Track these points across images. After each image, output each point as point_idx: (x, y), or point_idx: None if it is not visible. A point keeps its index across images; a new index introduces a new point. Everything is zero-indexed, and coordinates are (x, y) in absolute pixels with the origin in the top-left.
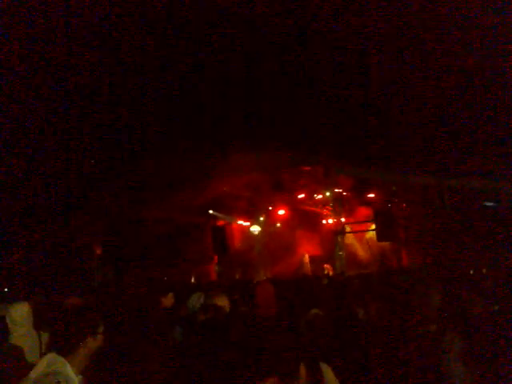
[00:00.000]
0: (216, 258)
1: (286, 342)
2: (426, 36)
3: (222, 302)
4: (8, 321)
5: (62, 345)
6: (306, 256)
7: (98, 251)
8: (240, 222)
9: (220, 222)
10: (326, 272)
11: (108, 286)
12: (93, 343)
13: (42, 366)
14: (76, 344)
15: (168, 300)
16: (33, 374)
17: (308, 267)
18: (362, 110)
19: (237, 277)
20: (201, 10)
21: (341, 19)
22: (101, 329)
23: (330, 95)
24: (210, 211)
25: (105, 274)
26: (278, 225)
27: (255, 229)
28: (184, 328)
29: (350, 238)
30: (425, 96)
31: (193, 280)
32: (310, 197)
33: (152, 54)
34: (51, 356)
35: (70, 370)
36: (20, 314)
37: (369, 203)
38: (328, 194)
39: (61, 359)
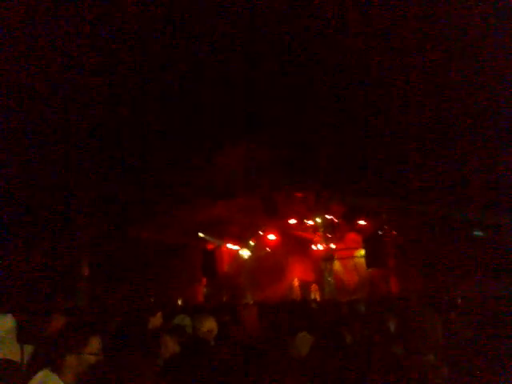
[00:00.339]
0: (204, 280)
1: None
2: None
3: (210, 323)
4: None
5: (51, 361)
6: (296, 280)
7: (86, 272)
8: (229, 245)
9: (210, 245)
10: (313, 296)
11: (95, 305)
12: (79, 361)
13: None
14: (63, 360)
15: (157, 320)
16: None
17: (297, 292)
18: (356, 138)
19: (224, 300)
20: (200, 9)
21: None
22: (90, 347)
23: (325, 120)
24: (200, 234)
25: (92, 294)
26: (268, 249)
27: (245, 253)
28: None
29: (338, 265)
30: (418, 124)
31: (180, 302)
32: (300, 222)
33: (150, 57)
34: (44, 374)
35: None
36: (4, 326)
37: (359, 230)
38: (319, 220)
39: (54, 377)
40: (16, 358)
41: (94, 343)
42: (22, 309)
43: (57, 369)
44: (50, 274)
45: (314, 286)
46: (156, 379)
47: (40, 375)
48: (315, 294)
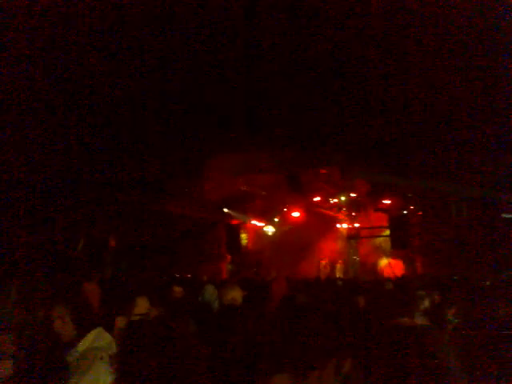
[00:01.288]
0: (229, 257)
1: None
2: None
3: (234, 292)
4: None
5: (102, 321)
6: (322, 259)
7: (112, 243)
8: (254, 221)
9: (235, 221)
10: (338, 275)
11: (121, 277)
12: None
13: (88, 341)
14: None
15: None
16: (80, 347)
17: (323, 270)
18: (383, 115)
19: (249, 277)
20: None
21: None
22: (138, 308)
23: (352, 98)
24: (225, 209)
25: (118, 267)
26: (292, 226)
27: (269, 229)
28: (197, 319)
29: (363, 244)
30: (445, 104)
31: (205, 278)
32: (325, 200)
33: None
34: (98, 331)
35: (114, 347)
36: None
37: (384, 209)
38: (343, 198)
39: (107, 335)
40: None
41: (142, 304)
42: (48, 278)
43: (109, 328)
44: (77, 246)
45: (339, 264)
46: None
47: (93, 332)
48: (340, 273)
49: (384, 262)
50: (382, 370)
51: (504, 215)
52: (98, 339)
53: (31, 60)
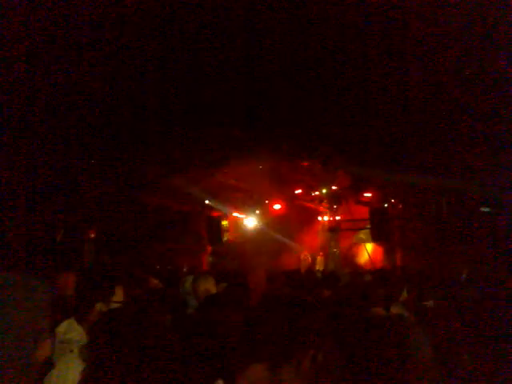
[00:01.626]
0: (209, 248)
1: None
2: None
3: (210, 284)
4: None
5: (75, 312)
6: (302, 251)
7: (92, 234)
8: (235, 213)
9: (215, 213)
10: (318, 267)
11: (100, 267)
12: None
13: (59, 332)
14: (90, 310)
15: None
16: None
17: (304, 262)
18: (364, 108)
19: (229, 268)
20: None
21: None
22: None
23: (333, 92)
24: (206, 201)
25: (97, 257)
26: (273, 219)
27: (250, 221)
28: (175, 310)
29: (343, 237)
30: (427, 97)
31: (185, 269)
32: (306, 193)
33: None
34: (69, 323)
35: (85, 339)
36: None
37: (365, 202)
38: (324, 191)
39: (78, 327)
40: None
41: (119, 293)
42: (28, 268)
43: (81, 319)
44: (57, 235)
45: (319, 257)
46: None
47: (64, 324)
48: (320, 265)
49: (363, 251)
50: (354, 360)
51: (482, 209)
52: (69, 331)
53: (25, 51)
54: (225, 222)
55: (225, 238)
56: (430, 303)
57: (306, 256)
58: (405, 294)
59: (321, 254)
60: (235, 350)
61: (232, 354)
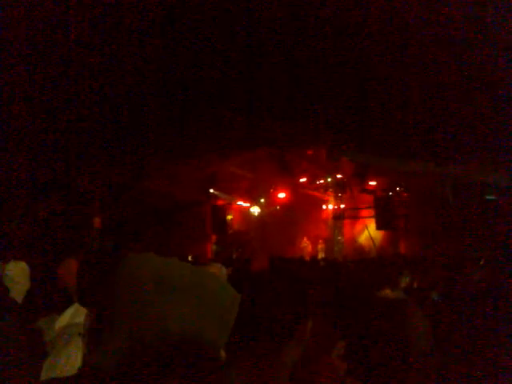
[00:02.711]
0: (214, 237)
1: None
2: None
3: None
4: (6, 279)
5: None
6: (305, 239)
7: (97, 224)
8: (240, 202)
9: (220, 202)
10: (320, 255)
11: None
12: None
13: (65, 318)
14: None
15: None
16: (57, 325)
17: (308, 251)
18: (368, 95)
19: (234, 257)
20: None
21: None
22: None
23: (337, 79)
24: (211, 190)
25: (103, 246)
26: (278, 207)
27: (255, 210)
28: None
29: (348, 224)
30: (432, 85)
31: (190, 258)
32: (311, 181)
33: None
34: (75, 307)
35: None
36: (18, 271)
37: (370, 190)
38: (329, 179)
39: (84, 311)
40: None
41: None
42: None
43: (86, 303)
44: (62, 224)
45: (320, 245)
46: None
47: (70, 309)
48: (322, 253)
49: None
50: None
51: (487, 197)
52: (77, 315)
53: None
54: (229, 217)
55: (230, 231)
56: (433, 294)
57: (305, 243)
58: (406, 280)
59: (320, 241)
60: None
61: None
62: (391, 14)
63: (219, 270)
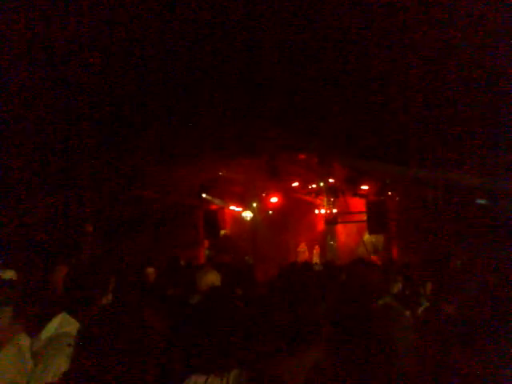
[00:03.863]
0: (206, 242)
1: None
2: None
3: (214, 276)
4: None
5: (73, 305)
6: (303, 244)
7: (90, 228)
8: (232, 207)
9: (213, 206)
10: (315, 260)
11: (98, 260)
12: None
13: (53, 327)
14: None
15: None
16: (43, 335)
17: (305, 257)
18: (361, 101)
19: (226, 261)
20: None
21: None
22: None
23: (330, 84)
24: (203, 195)
25: (95, 250)
26: (271, 212)
27: (247, 215)
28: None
29: (340, 229)
30: (423, 91)
31: (182, 263)
32: (303, 186)
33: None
34: (62, 316)
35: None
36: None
37: (362, 195)
38: (322, 184)
39: (73, 321)
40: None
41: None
42: (25, 262)
43: (76, 313)
44: (54, 229)
45: (315, 250)
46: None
47: (58, 318)
48: (317, 257)
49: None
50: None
51: (478, 201)
52: (65, 324)
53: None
54: (221, 219)
55: (222, 232)
56: (425, 304)
57: (302, 248)
58: (398, 286)
59: (316, 246)
60: (243, 341)
61: (240, 344)
62: (380, 22)
63: (215, 276)
